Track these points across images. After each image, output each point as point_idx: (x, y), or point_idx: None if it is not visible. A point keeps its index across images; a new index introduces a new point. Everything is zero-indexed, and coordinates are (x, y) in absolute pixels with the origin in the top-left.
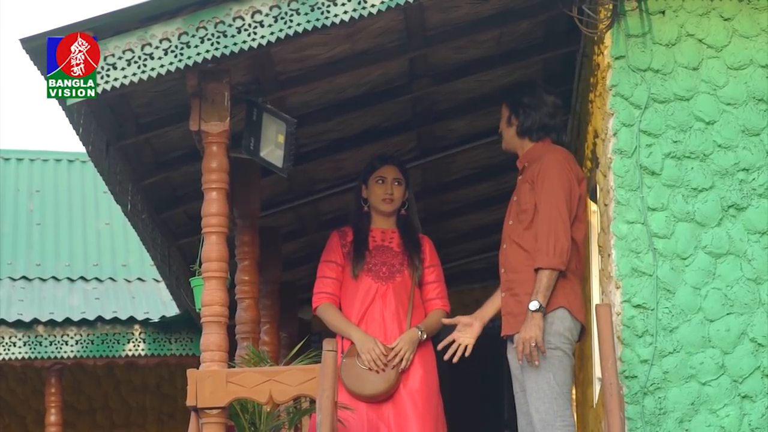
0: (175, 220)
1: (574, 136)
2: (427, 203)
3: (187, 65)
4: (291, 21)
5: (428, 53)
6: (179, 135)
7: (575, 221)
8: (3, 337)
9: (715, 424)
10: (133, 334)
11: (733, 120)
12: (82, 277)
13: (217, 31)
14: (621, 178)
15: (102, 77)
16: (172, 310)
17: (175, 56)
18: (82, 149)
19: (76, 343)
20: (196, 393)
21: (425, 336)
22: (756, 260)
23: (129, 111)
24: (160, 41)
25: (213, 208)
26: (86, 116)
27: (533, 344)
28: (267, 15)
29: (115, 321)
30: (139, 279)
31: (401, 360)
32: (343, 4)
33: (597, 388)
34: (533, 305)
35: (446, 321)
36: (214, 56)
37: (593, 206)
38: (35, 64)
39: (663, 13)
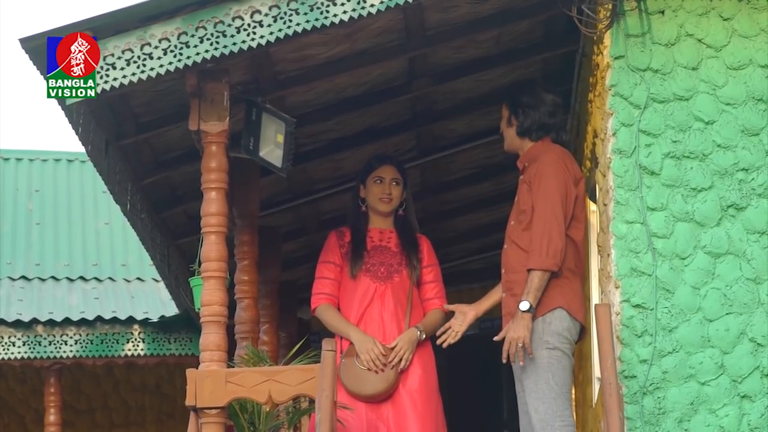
0: (175, 220)
1: (573, 135)
2: (427, 203)
3: (186, 65)
4: (290, 21)
5: (427, 53)
6: (178, 135)
7: (573, 221)
8: (2, 337)
9: (714, 423)
10: (132, 333)
11: (732, 120)
12: (81, 277)
13: (217, 31)
14: (620, 177)
15: (101, 77)
16: (171, 309)
17: (175, 56)
18: (82, 149)
19: (76, 343)
20: (196, 393)
21: (424, 336)
22: (755, 260)
23: (128, 111)
24: (160, 41)
25: (212, 207)
26: (85, 116)
27: (520, 344)
28: (266, 15)
29: (115, 321)
30: (138, 279)
31: (400, 360)
32: (343, 4)
33: (596, 387)
34: (524, 305)
35: (447, 307)
36: (213, 56)
37: (592, 206)
38: (35, 64)
39: (662, 12)
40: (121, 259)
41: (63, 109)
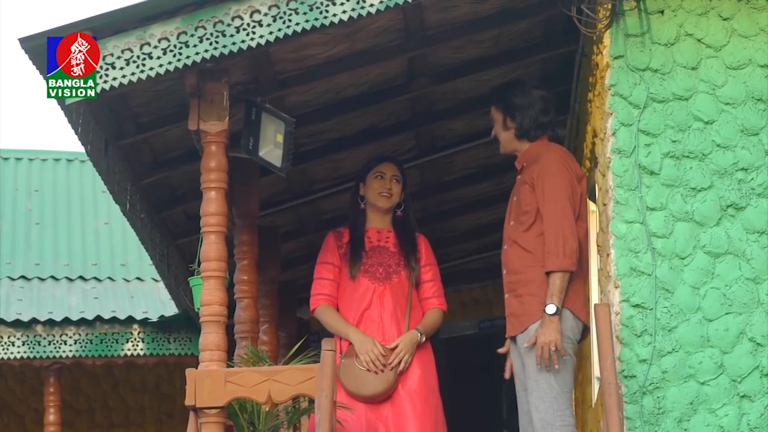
0: (174, 220)
1: (572, 135)
2: (426, 203)
3: (185, 65)
4: (290, 20)
5: (427, 53)
6: (178, 134)
7: (578, 220)
8: (2, 337)
9: (713, 423)
10: (131, 333)
11: (732, 120)
12: (80, 277)
13: (216, 31)
14: (620, 177)
15: (101, 77)
16: (170, 309)
17: (174, 56)
18: (81, 149)
19: (75, 343)
20: (195, 392)
21: (424, 338)
22: (755, 260)
23: (128, 110)
24: (159, 41)
25: (212, 207)
26: (85, 116)
27: (553, 349)
28: (266, 14)
29: (114, 320)
30: (137, 278)
31: (400, 362)
32: (342, 4)
33: (596, 387)
34: (550, 309)
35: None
36: (212, 56)
37: (592, 206)
38: (35, 64)
39: (662, 12)
40: (120, 258)
41: (63, 109)
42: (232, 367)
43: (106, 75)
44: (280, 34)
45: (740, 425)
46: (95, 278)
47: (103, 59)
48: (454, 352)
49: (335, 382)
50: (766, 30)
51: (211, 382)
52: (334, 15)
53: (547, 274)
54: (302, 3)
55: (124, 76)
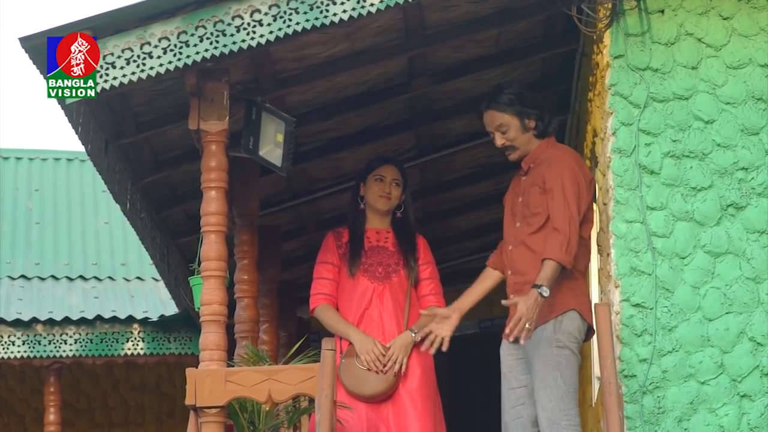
0: (174, 219)
1: (573, 135)
2: (426, 202)
3: (186, 64)
4: (290, 20)
5: (427, 52)
6: (178, 134)
7: (584, 222)
8: (2, 336)
9: (714, 423)
10: (132, 333)
11: (732, 119)
12: (81, 276)
13: (216, 30)
14: (620, 177)
15: (101, 76)
16: (171, 309)
17: (174, 55)
18: (81, 148)
19: (75, 342)
20: (195, 392)
21: (419, 338)
22: (755, 259)
23: (128, 110)
24: (159, 40)
25: (212, 207)
26: (85, 115)
27: (528, 326)
28: (266, 14)
29: (114, 320)
30: (138, 278)
31: (395, 364)
32: (342, 3)
33: (596, 387)
34: (545, 292)
35: (424, 312)
36: (213, 55)
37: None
38: (35, 64)
39: (662, 12)
40: (120, 258)
41: (63, 109)
42: (233, 366)
43: (106, 74)
44: (281, 34)
45: (740, 425)
46: (95, 278)
47: (103, 59)
48: (454, 351)
49: (335, 381)
50: (767, 29)
51: (211, 381)
52: (335, 14)
53: (543, 259)
54: (302, 2)
55: (124, 76)
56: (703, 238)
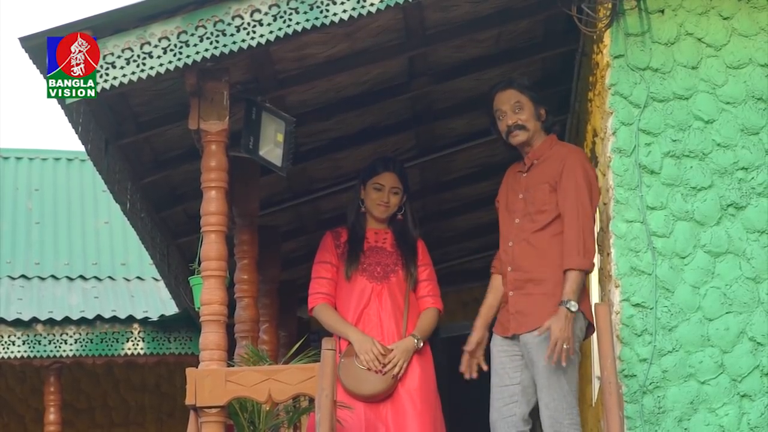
0: (174, 219)
1: (573, 135)
2: (426, 202)
3: (186, 64)
4: (290, 20)
5: (427, 52)
6: (178, 134)
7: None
8: (2, 336)
9: (714, 423)
10: (132, 332)
11: (732, 119)
12: (81, 276)
13: (216, 30)
14: (620, 177)
15: (101, 76)
16: (171, 308)
17: (174, 55)
18: (81, 148)
19: (75, 342)
20: (195, 392)
21: (421, 344)
22: (755, 259)
23: (128, 110)
24: (159, 40)
25: (212, 206)
26: (85, 115)
27: (567, 346)
28: (266, 14)
29: (114, 320)
30: (138, 278)
31: (395, 367)
32: (342, 3)
33: (596, 386)
34: (574, 306)
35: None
36: (213, 55)
37: None
38: (35, 64)
39: (662, 12)
40: (120, 258)
41: (63, 109)
42: (233, 366)
43: (107, 74)
44: (281, 34)
45: (740, 425)
46: (95, 277)
47: (103, 59)
48: (455, 351)
49: (335, 381)
50: (767, 29)
51: (211, 381)
52: (335, 14)
53: (565, 271)
54: (302, 2)
55: (124, 76)
56: (703, 238)
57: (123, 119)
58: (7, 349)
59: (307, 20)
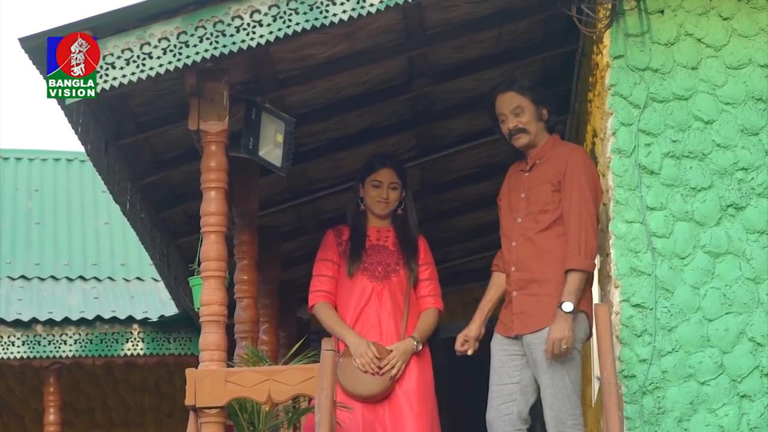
0: (174, 220)
1: (573, 135)
2: (427, 202)
3: (185, 64)
4: (290, 20)
5: (427, 52)
6: (178, 134)
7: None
8: (2, 337)
9: (713, 423)
10: (131, 333)
11: (732, 119)
12: (80, 277)
13: (216, 31)
14: (620, 177)
15: (101, 76)
16: (170, 309)
17: (174, 55)
18: (81, 148)
19: (75, 343)
20: (195, 392)
21: (420, 347)
22: (755, 260)
23: (128, 110)
24: (159, 40)
25: (212, 207)
26: (85, 115)
27: (564, 346)
28: (266, 14)
29: (114, 320)
30: (137, 278)
31: (392, 368)
32: (342, 4)
33: (596, 387)
34: (567, 306)
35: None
36: (212, 55)
37: None
38: (35, 64)
39: (662, 12)
40: (120, 258)
41: (63, 109)
42: (232, 366)
43: (106, 75)
44: (280, 34)
45: (740, 425)
46: (95, 278)
47: (103, 59)
48: (454, 352)
49: (335, 381)
50: (766, 30)
51: (211, 381)
52: (334, 15)
53: (566, 272)
54: (302, 3)
55: (124, 76)
56: (703, 239)
57: (123, 119)
58: (7, 349)
59: (307, 21)
